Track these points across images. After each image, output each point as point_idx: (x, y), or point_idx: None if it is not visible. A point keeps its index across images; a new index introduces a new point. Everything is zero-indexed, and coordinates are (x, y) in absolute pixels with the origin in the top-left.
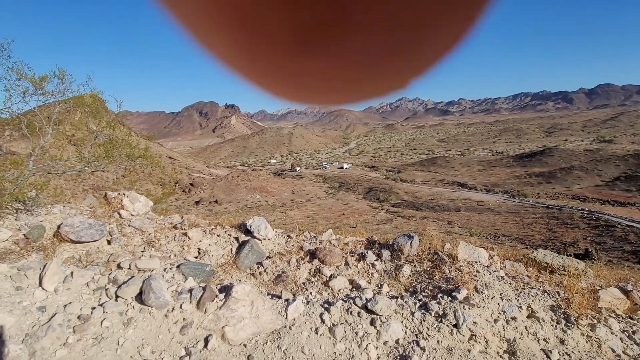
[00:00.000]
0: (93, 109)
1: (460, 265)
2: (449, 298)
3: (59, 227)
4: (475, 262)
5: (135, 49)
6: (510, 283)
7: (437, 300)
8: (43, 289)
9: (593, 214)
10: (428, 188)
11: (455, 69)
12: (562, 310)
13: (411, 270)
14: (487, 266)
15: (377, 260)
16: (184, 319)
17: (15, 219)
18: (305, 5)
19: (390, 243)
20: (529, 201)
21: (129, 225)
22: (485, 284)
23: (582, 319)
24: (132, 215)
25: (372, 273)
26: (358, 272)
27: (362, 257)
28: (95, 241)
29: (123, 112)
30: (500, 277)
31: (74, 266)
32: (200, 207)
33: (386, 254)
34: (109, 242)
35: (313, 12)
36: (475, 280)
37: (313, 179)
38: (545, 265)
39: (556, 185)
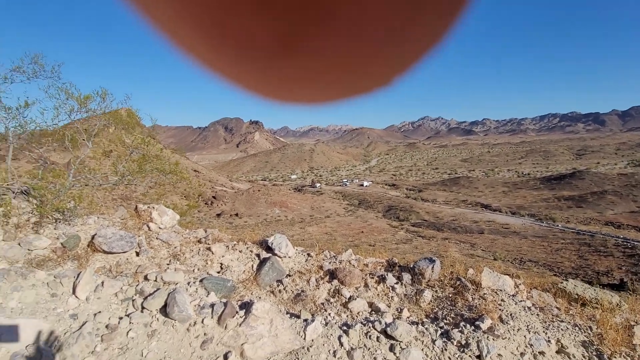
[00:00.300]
0: (127, 124)
1: (484, 293)
2: (472, 327)
3: (93, 237)
4: (500, 290)
5: (166, 65)
6: (537, 314)
7: (460, 328)
8: (76, 297)
9: (628, 242)
10: (450, 208)
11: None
12: (595, 346)
13: (432, 296)
14: (513, 295)
15: (397, 283)
16: (204, 333)
17: (54, 228)
18: (284, 6)
19: (411, 266)
20: (557, 226)
21: (156, 238)
22: (511, 314)
23: (615, 357)
24: (160, 228)
25: (392, 296)
26: (378, 294)
27: (382, 279)
28: (125, 252)
29: (154, 127)
30: (527, 308)
31: (105, 276)
32: (221, 219)
33: (407, 277)
34: (137, 254)
35: (293, 12)
36: (500, 309)
37: (333, 195)
38: (576, 296)
39: (587, 210)
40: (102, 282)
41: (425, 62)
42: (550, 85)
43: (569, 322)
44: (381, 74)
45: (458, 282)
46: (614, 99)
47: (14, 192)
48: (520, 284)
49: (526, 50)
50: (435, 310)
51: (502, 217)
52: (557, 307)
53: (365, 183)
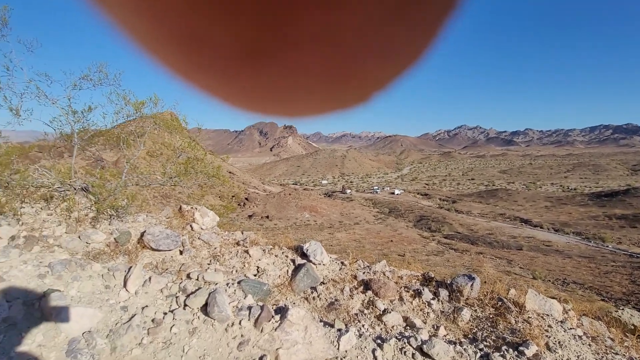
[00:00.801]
0: (172, 127)
1: (529, 317)
2: (515, 352)
3: (142, 234)
4: (547, 315)
5: None
6: (589, 345)
7: (501, 352)
8: (126, 290)
9: None
10: (486, 221)
11: (521, 96)
12: None
13: (471, 315)
14: (561, 322)
15: (433, 299)
16: (242, 335)
17: (109, 224)
18: (252, 13)
19: (449, 282)
20: (607, 246)
21: (198, 238)
22: (559, 342)
23: None
24: (201, 228)
25: (427, 312)
26: (413, 309)
27: (417, 293)
28: (170, 250)
29: (194, 130)
30: (577, 337)
31: (152, 272)
32: (252, 221)
33: (444, 293)
34: (181, 253)
35: (262, 19)
36: (546, 336)
37: (363, 202)
38: (632, 327)
39: None
40: (150, 278)
41: (405, 78)
42: (603, 95)
43: (624, 355)
44: (359, 90)
45: (500, 303)
46: None
47: (75, 189)
48: (569, 310)
49: (574, 54)
50: (474, 331)
51: (543, 233)
52: (610, 338)
53: (397, 191)
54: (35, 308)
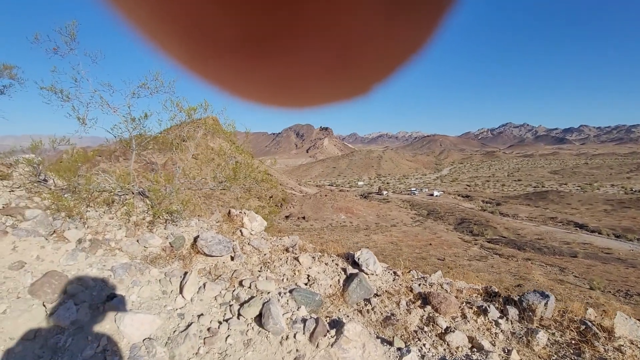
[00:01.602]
0: (221, 131)
1: (620, 345)
2: None
3: (195, 239)
4: None
5: None
6: None
7: None
8: (182, 296)
9: None
10: (534, 226)
11: (575, 90)
12: None
13: (548, 339)
14: None
15: (501, 317)
16: (297, 349)
17: (164, 228)
18: (254, 5)
19: (517, 299)
20: None
21: (248, 244)
22: None
23: None
24: (251, 234)
25: (495, 333)
26: (478, 328)
27: (482, 311)
28: (221, 256)
29: (247, 135)
30: None
31: (206, 278)
32: (289, 221)
33: (513, 312)
34: (232, 259)
35: (263, 9)
36: None
37: (400, 204)
38: None
39: None
40: (204, 285)
41: (407, 69)
42: None
43: None
44: (359, 81)
45: (584, 327)
46: None
47: (133, 193)
48: None
49: (638, 37)
50: (553, 358)
51: (602, 239)
52: None
53: (436, 193)
54: (100, 312)
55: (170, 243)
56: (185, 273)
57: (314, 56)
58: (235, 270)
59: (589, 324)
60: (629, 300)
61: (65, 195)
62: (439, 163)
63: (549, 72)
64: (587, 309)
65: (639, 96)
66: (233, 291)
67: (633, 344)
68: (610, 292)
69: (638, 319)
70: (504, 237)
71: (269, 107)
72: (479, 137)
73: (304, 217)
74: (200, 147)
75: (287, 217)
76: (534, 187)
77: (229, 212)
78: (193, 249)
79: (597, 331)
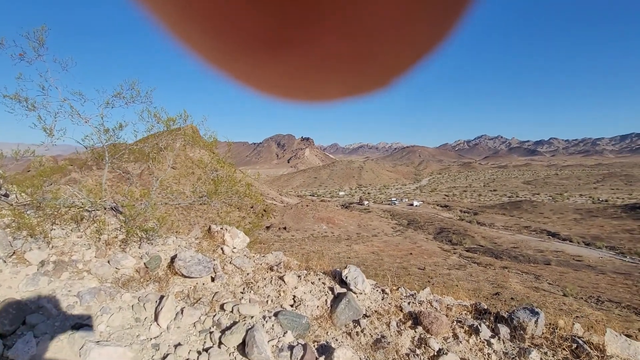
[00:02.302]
0: (200, 142)
1: None
2: None
3: (172, 259)
4: None
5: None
6: None
7: None
8: (158, 324)
9: None
10: (510, 234)
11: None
12: None
13: (541, 359)
14: None
15: (493, 337)
16: None
17: (139, 247)
18: (280, 2)
19: (507, 316)
20: None
21: (230, 263)
22: None
23: None
24: (232, 252)
25: (488, 354)
26: (470, 349)
27: (474, 330)
28: (201, 277)
29: (215, 140)
30: None
31: (184, 302)
32: (270, 232)
33: (504, 330)
34: (212, 279)
35: (287, 6)
36: None
37: (381, 214)
38: None
39: None
40: (182, 310)
41: (426, 63)
42: (635, 101)
43: None
44: (379, 74)
45: (575, 345)
46: None
47: (105, 208)
48: None
49: (602, 56)
50: None
51: (573, 247)
52: None
53: (415, 203)
54: (64, 345)
55: (145, 264)
56: (162, 297)
57: (333, 49)
58: (216, 292)
59: (580, 341)
60: (601, 307)
61: (28, 212)
62: (418, 173)
63: (520, 86)
64: (574, 324)
65: (603, 111)
66: (214, 316)
67: None
68: (582, 298)
69: (625, 334)
70: (482, 246)
71: (288, 101)
72: (456, 149)
73: (285, 228)
74: (179, 157)
75: (268, 227)
76: (509, 197)
77: (210, 229)
78: (170, 270)
79: (590, 350)
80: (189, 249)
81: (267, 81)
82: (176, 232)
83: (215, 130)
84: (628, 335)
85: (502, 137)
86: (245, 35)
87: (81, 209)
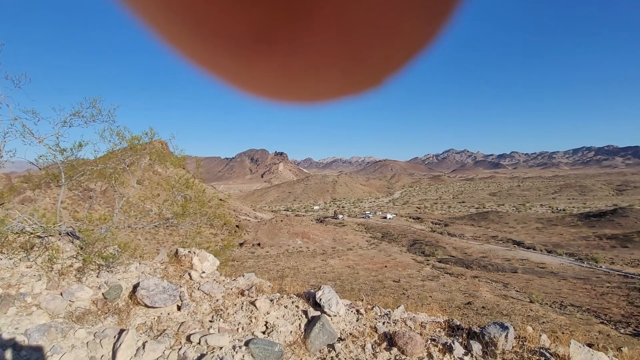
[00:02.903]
0: (167, 159)
1: None
2: None
3: (135, 287)
4: None
5: (197, 96)
6: None
7: None
8: None
9: None
10: (479, 244)
11: (507, 121)
12: None
13: None
14: None
15: (466, 354)
16: None
17: (97, 276)
18: (265, 1)
19: (479, 332)
20: (600, 267)
21: (198, 289)
22: None
23: None
24: (201, 277)
25: None
26: None
27: (448, 349)
28: (166, 307)
29: (184, 157)
30: None
31: (146, 335)
32: (243, 249)
33: (476, 347)
34: (179, 308)
35: (275, 6)
36: None
37: (355, 227)
38: None
39: (635, 250)
40: (144, 345)
41: (416, 63)
42: (584, 117)
43: None
44: (370, 74)
45: (543, 359)
46: None
47: (60, 234)
48: None
49: (556, 79)
50: None
51: (536, 255)
52: None
53: (389, 215)
54: None
55: (103, 294)
56: (121, 331)
57: (325, 50)
58: (182, 322)
59: (547, 354)
60: (564, 312)
61: None
62: (390, 187)
63: (484, 101)
64: (541, 335)
65: (558, 126)
66: (179, 349)
67: None
68: (547, 304)
69: (587, 343)
70: (453, 257)
71: (280, 102)
72: (426, 162)
73: (259, 244)
74: (147, 173)
75: (241, 244)
76: (476, 208)
77: (177, 252)
78: (132, 300)
79: None
80: (154, 276)
81: (256, 82)
82: (140, 257)
83: (183, 149)
84: (589, 345)
85: (468, 151)
86: (232, 34)
87: (32, 235)
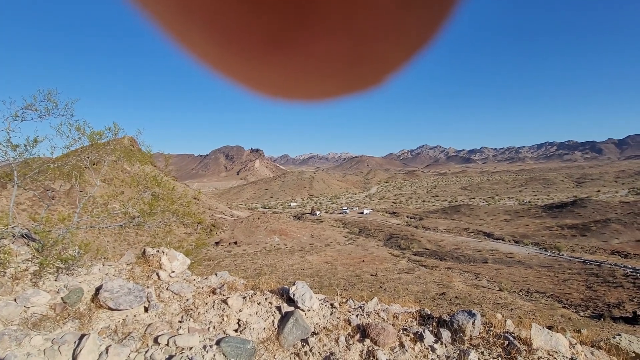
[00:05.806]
0: (134, 156)
1: (540, 356)
2: None
3: (97, 290)
4: (555, 352)
5: (169, 91)
6: None
7: None
8: None
9: (638, 272)
10: (452, 237)
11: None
12: None
13: (479, 359)
14: (571, 359)
15: (436, 342)
16: None
17: (55, 279)
18: (275, 3)
19: (448, 320)
20: (562, 255)
21: (167, 289)
22: None
23: None
24: (170, 276)
25: (432, 359)
26: (416, 356)
27: (419, 337)
28: (132, 308)
29: (155, 154)
30: None
31: (109, 339)
32: (220, 247)
33: (446, 334)
34: (146, 309)
35: (284, 9)
36: None
37: (333, 223)
38: (634, 354)
39: (592, 238)
40: (107, 349)
41: (417, 60)
42: (547, 114)
43: None
44: (373, 72)
45: (507, 342)
46: (610, 127)
47: (14, 236)
48: (575, 344)
49: (523, 77)
50: None
51: (505, 245)
52: None
53: (366, 211)
54: None
55: (62, 298)
56: (82, 336)
57: (328, 49)
58: (149, 324)
59: (511, 338)
60: (530, 298)
61: None
62: (367, 182)
63: (455, 98)
64: (506, 321)
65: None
66: (146, 352)
67: (549, 354)
68: (515, 292)
69: (548, 326)
70: (428, 249)
71: (284, 100)
72: (401, 158)
73: (236, 242)
74: (115, 171)
75: (217, 243)
76: (449, 202)
77: (144, 252)
78: (94, 303)
79: (519, 345)
80: (119, 277)
81: (264, 81)
82: (104, 258)
83: (150, 145)
84: (550, 327)
85: (440, 147)
86: (240, 36)
87: None
